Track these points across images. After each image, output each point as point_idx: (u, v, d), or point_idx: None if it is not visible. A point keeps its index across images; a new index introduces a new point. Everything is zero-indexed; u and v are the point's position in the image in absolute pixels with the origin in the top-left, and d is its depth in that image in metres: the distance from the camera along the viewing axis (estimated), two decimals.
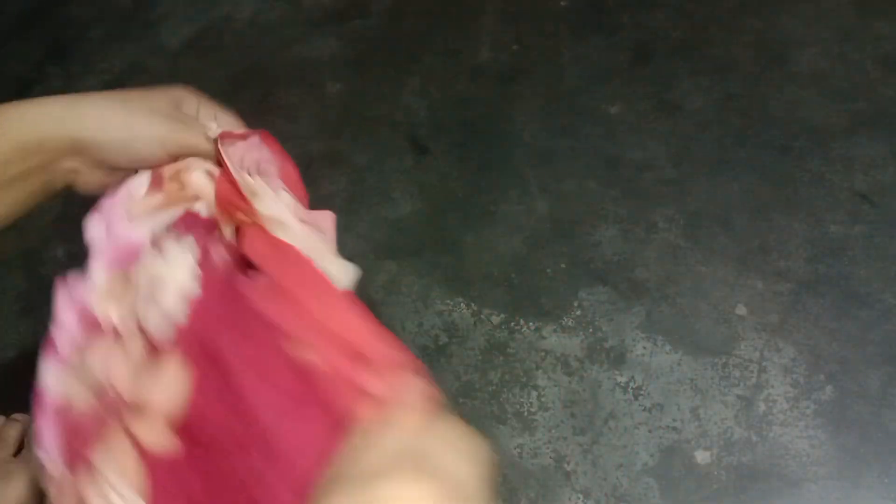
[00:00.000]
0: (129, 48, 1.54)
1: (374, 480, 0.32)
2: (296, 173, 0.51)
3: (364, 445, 0.36)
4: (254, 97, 1.37)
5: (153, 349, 0.39)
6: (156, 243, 0.43)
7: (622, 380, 0.94)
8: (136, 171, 0.46)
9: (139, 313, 0.40)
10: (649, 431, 0.90)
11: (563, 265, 1.06)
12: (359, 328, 0.39)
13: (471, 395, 0.96)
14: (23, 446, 0.60)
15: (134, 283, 0.41)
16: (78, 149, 0.42)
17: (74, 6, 1.65)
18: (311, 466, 0.36)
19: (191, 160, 0.46)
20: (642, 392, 0.93)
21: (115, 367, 0.39)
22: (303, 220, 0.46)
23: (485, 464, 0.36)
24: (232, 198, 0.45)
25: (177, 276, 0.41)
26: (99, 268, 0.43)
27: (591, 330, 0.99)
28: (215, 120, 0.48)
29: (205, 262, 0.42)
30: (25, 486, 0.52)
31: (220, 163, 0.46)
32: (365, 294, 1.07)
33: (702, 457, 0.87)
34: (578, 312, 1.01)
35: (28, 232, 1.26)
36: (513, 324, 1.01)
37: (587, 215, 1.10)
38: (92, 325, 0.41)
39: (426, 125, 1.27)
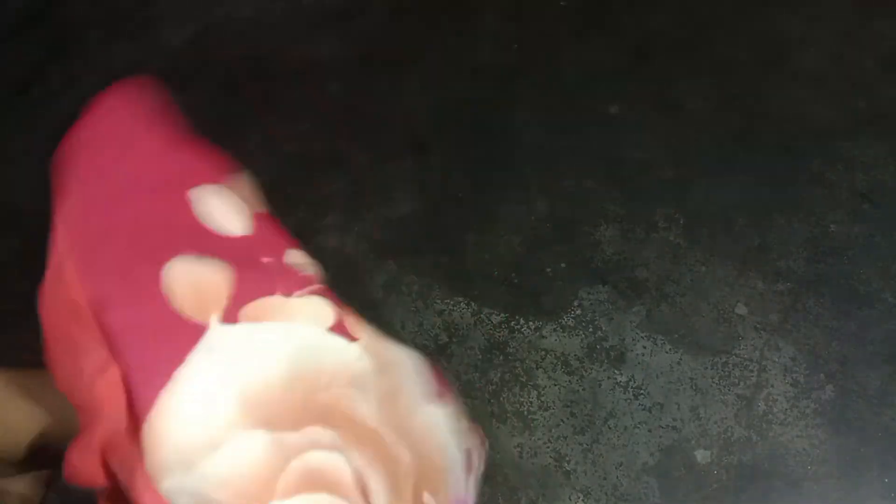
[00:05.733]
0: (129, 48, 1.54)
1: None
2: None
3: None
4: (254, 97, 1.37)
5: None
6: None
7: (622, 379, 0.94)
8: None
9: None
10: (649, 431, 0.90)
11: (563, 265, 1.06)
12: None
13: (471, 395, 0.96)
14: None
15: None
16: None
17: (74, 6, 1.65)
18: None
19: None
20: (642, 391, 0.93)
21: None
22: None
23: None
24: None
25: None
26: None
27: (591, 329, 0.99)
28: None
29: None
30: None
31: None
32: (365, 294, 1.07)
33: (702, 456, 0.87)
34: (578, 312, 1.01)
35: None
36: (513, 323, 1.01)
37: (587, 215, 1.10)
38: None
39: (426, 125, 1.27)
